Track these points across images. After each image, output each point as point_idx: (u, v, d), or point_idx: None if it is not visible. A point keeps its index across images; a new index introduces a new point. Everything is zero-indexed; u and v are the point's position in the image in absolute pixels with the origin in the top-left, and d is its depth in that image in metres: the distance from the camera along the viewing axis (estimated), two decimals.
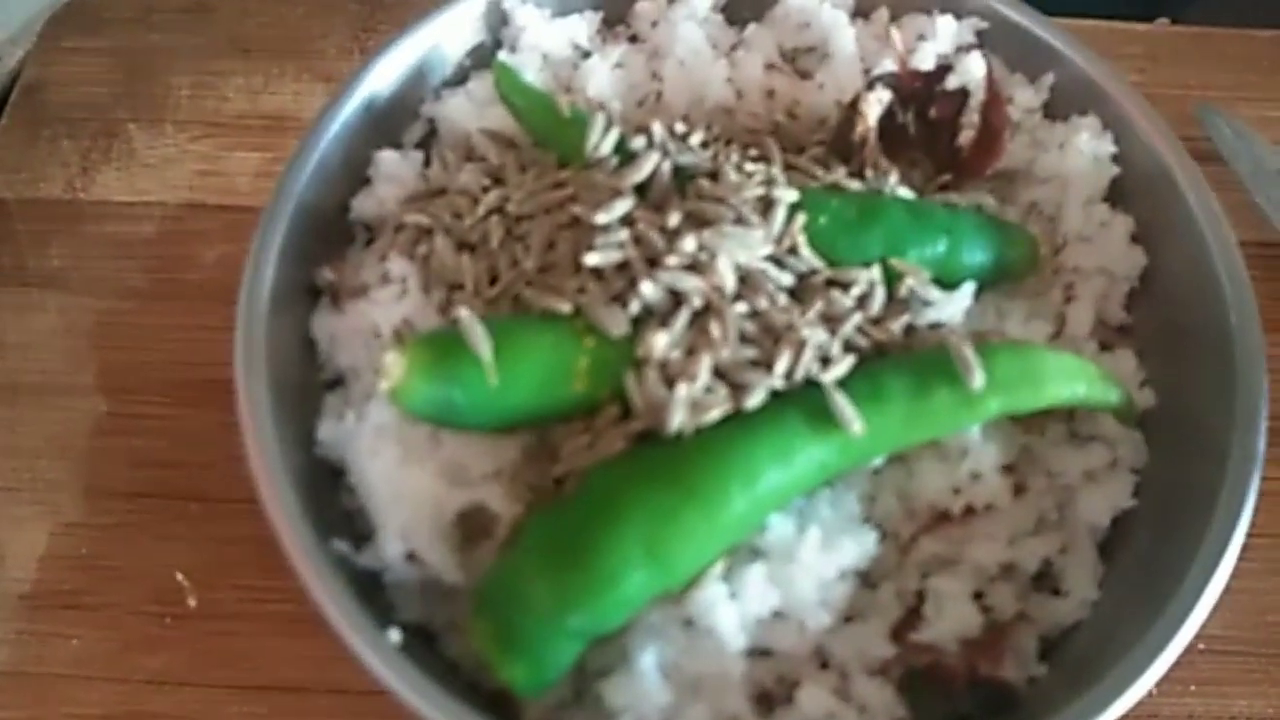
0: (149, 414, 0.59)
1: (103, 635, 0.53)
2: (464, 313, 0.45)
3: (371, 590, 0.47)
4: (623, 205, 0.48)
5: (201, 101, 0.70)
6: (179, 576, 0.54)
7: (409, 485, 0.46)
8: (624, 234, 0.47)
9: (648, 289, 0.45)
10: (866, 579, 0.48)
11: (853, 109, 0.53)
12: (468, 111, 0.57)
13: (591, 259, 0.46)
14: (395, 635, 0.43)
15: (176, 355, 0.60)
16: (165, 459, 0.57)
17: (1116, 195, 0.57)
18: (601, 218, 0.47)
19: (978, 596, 0.49)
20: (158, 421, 0.58)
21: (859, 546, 0.47)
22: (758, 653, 0.46)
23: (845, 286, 0.49)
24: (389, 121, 0.57)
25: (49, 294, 0.63)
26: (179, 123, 0.69)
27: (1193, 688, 0.54)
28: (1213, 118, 0.70)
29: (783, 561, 0.45)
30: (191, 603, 0.54)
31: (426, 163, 0.57)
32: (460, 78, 0.59)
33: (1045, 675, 0.48)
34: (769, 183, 0.49)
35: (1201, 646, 0.54)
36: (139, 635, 0.53)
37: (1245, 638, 0.55)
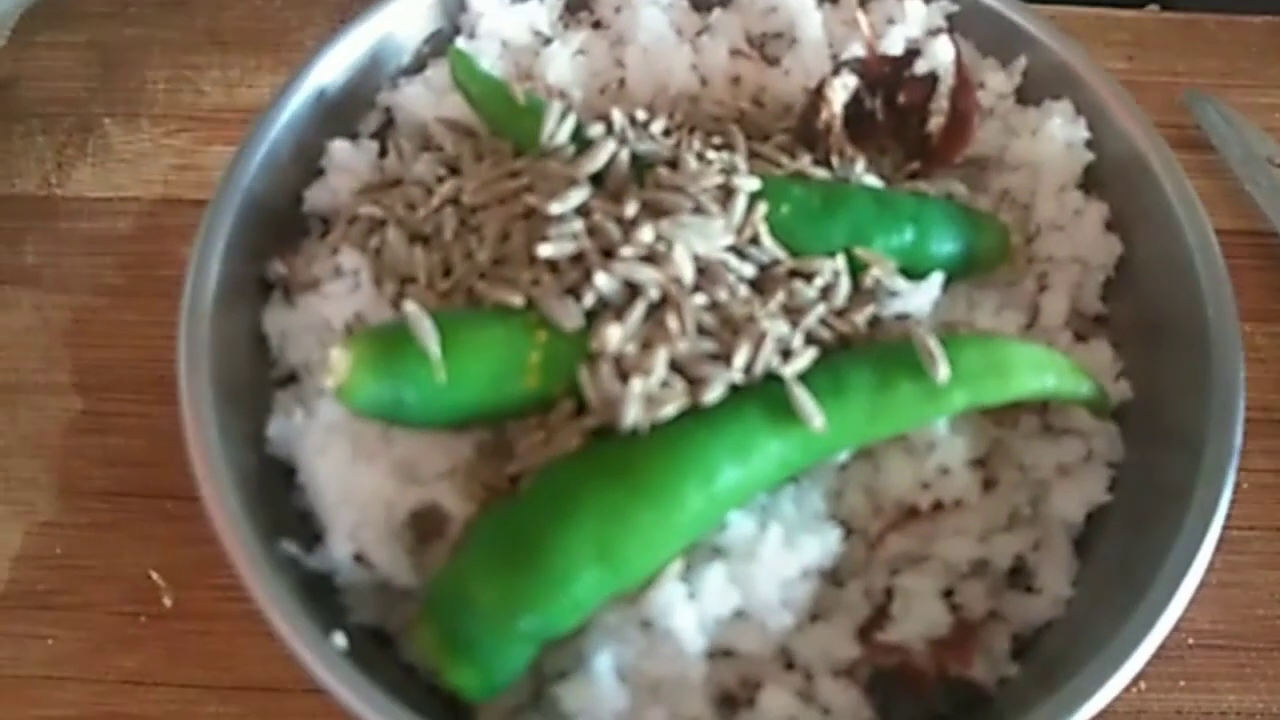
0: (124, 412, 0.58)
1: (78, 635, 0.53)
2: (411, 307, 0.43)
3: (324, 592, 0.46)
4: (578, 195, 0.47)
5: (177, 95, 0.69)
6: (154, 576, 0.54)
7: (359, 484, 0.45)
8: (579, 224, 0.46)
9: (602, 281, 0.44)
10: (833, 577, 0.47)
11: (817, 95, 0.52)
12: (425, 100, 0.56)
13: (545, 250, 0.45)
14: (340, 640, 0.42)
15: (152, 352, 0.59)
16: (140, 457, 0.57)
17: (1091, 182, 0.56)
18: (555, 208, 0.46)
19: (948, 594, 0.48)
20: (133, 420, 0.58)
21: (822, 544, 0.46)
22: (719, 654, 0.45)
23: (808, 277, 0.48)
24: (344, 110, 0.56)
25: (23, 291, 0.62)
26: (155, 117, 0.68)
27: (1182, 682, 0.54)
28: (1202, 105, 0.69)
29: (743, 560, 0.44)
30: (167, 602, 0.54)
31: (383, 152, 0.55)
32: (418, 65, 0.58)
33: (1018, 674, 0.47)
34: (729, 171, 0.48)
35: (1190, 641, 0.54)
36: (114, 635, 0.53)
37: (1234, 632, 0.55)
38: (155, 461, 0.56)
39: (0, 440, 0.58)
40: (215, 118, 0.68)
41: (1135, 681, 0.51)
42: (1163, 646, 0.51)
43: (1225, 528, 0.54)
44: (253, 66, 0.70)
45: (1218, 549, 0.53)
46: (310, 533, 0.47)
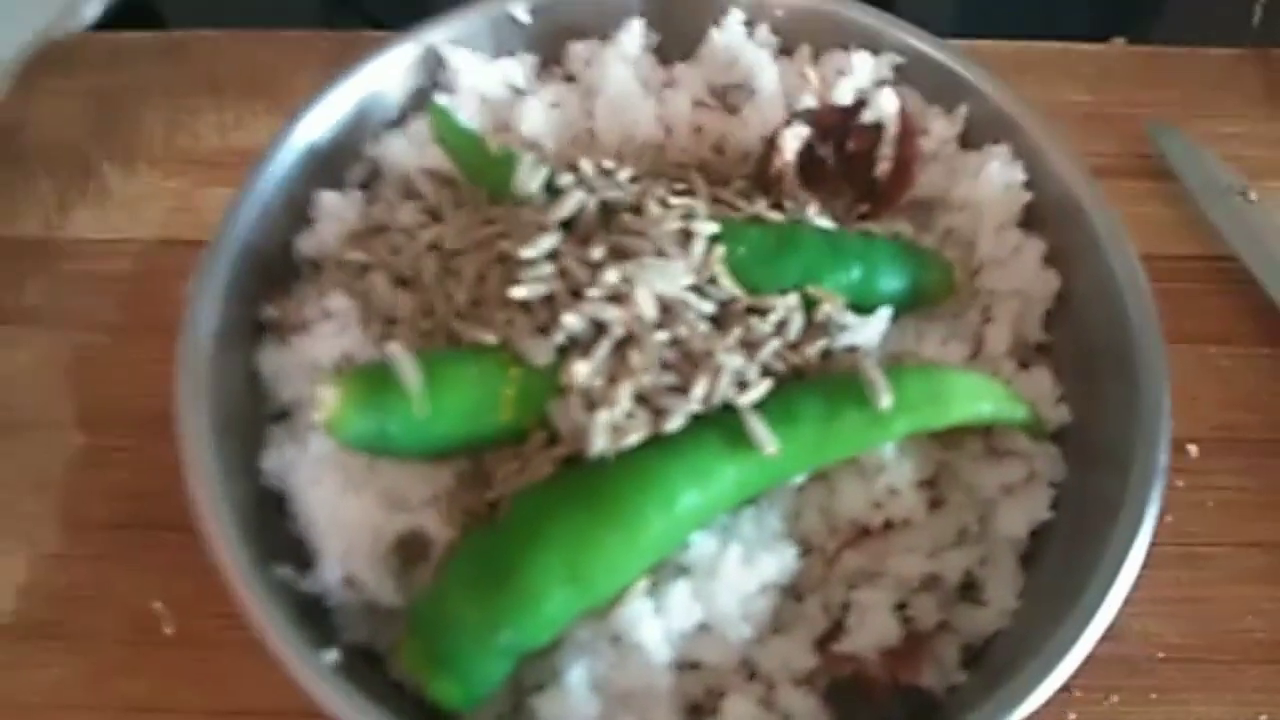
0: (125, 446, 0.59)
1: (81, 664, 0.54)
2: (394, 347, 0.47)
3: (317, 614, 0.49)
4: (548, 240, 0.50)
5: (175, 139, 0.70)
6: (156, 605, 0.55)
7: (348, 512, 0.48)
8: (549, 268, 0.49)
9: (570, 320, 0.47)
10: (793, 592, 0.50)
11: (771, 145, 0.56)
12: (408, 151, 0.59)
13: (517, 292, 0.48)
14: (331, 655, 0.45)
15: (150, 389, 0.59)
16: (141, 490, 0.58)
17: (1030, 220, 0.59)
18: (527, 252, 0.49)
19: (901, 607, 0.51)
20: (133, 454, 0.59)
21: (780, 562, 0.49)
22: (685, 665, 0.48)
23: (764, 313, 0.51)
24: (332, 162, 0.59)
25: (26, 330, 0.63)
26: (153, 160, 0.69)
27: (1153, 695, 0.55)
28: (1165, 135, 0.70)
29: (706, 577, 0.48)
30: (168, 630, 0.55)
31: (370, 200, 0.58)
32: (401, 119, 0.61)
33: (966, 682, 0.50)
34: (689, 216, 0.52)
35: (1161, 655, 0.56)
36: (117, 663, 0.54)
37: (1204, 645, 0.56)
38: (155, 494, 0.57)
39: (5, 475, 0.59)
40: (212, 161, 0.69)
41: (1108, 695, 0.54)
42: (1134, 661, 0.54)
43: (1191, 544, 0.56)
44: (248, 110, 0.71)
45: (1184, 565, 0.56)
46: (303, 558, 0.49)
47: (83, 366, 0.62)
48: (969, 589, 0.53)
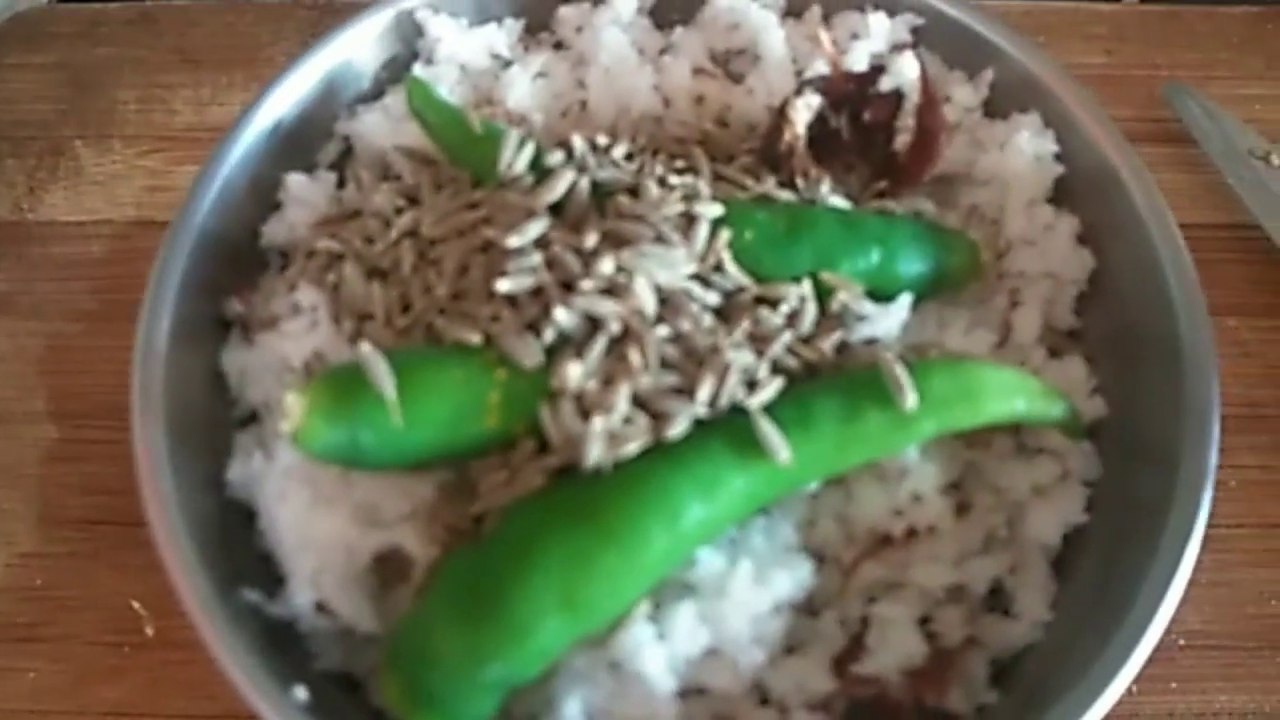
0: (100, 439, 0.57)
1: (60, 668, 0.52)
2: (365, 348, 0.42)
3: (289, 638, 0.45)
4: (536, 227, 0.46)
5: (149, 115, 0.69)
6: (135, 605, 0.54)
7: (319, 530, 0.45)
8: (538, 257, 0.45)
9: (562, 316, 0.43)
10: (807, 607, 0.47)
11: (780, 116, 0.51)
12: (383, 128, 0.55)
13: (503, 285, 0.44)
14: (302, 693, 0.41)
15: (126, 378, 0.58)
16: (117, 485, 0.55)
17: (1061, 195, 0.55)
18: (514, 241, 0.45)
19: (925, 621, 0.47)
20: (109, 447, 0.57)
21: (794, 578, 0.45)
22: (692, 692, 0.44)
23: (774, 304, 0.47)
24: (301, 141, 0.55)
25: None
26: (127, 138, 0.68)
27: (1173, 685, 0.53)
28: (1182, 98, 0.68)
29: (713, 598, 0.44)
30: (149, 631, 0.53)
31: (341, 182, 0.54)
32: (376, 93, 0.58)
33: (996, 702, 0.46)
34: (691, 197, 0.48)
35: (1181, 643, 0.53)
36: (97, 666, 0.52)
37: (1225, 632, 0.54)
38: (132, 489, 0.54)
39: None
40: (187, 137, 0.68)
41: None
42: (1153, 648, 0.52)
43: (1213, 526, 0.54)
44: (224, 84, 0.70)
45: (1205, 548, 0.53)
46: (274, 575, 0.46)
47: (55, 355, 0.61)
48: (996, 599, 0.49)
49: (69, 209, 0.65)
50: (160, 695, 0.52)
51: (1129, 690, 0.50)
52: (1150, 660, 0.51)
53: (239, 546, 0.47)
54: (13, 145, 0.67)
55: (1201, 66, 0.71)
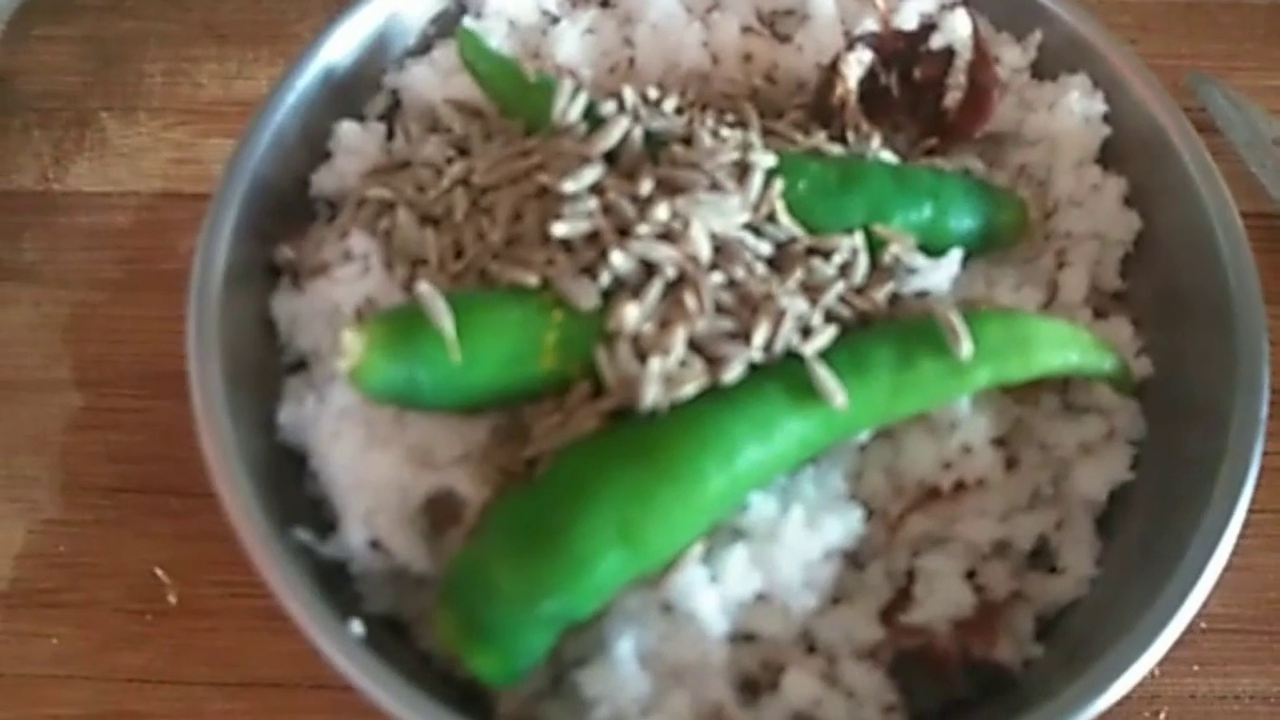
0: (125, 407, 0.58)
1: (83, 634, 0.52)
2: (424, 287, 0.42)
3: (338, 581, 0.45)
4: (591, 173, 0.46)
5: (175, 88, 0.69)
6: (159, 572, 0.54)
7: (373, 470, 0.45)
8: (593, 203, 0.45)
9: (618, 259, 0.43)
10: (854, 559, 0.47)
11: (832, 71, 0.51)
12: (432, 81, 0.55)
13: (559, 229, 0.44)
14: (358, 627, 0.41)
15: (152, 347, 0.59)
16: (142, 453, 0.56)
17: (1109, 157, 0.55)
18: (569, 186, 0.45)
19: (970, 575, 0.47)
20: (134, 415, 0.57)
21: (844, 525, 0.45)
22: (741, 638, 0.44)
23: (826, 254, 0.47)
24: (350, 93, 0.55)
25: (22, 287, 0.61)
26: (152, 110, 0.68)
27: (1195, 667, 0.53)
28: (1207, 87, 0.68)
29: (765, 542, 0.44)
30: (172, 599, 0.53)
31: (390, 135, 0.54)
32: (424, 46, 0.57)
33: (1042, 656, 0.47)
34: (745, 147, 0.47)
35: (1204, 625, 0.53)
36: (120, 633, 0.52)
37: (1248, 615, 0.54)
38: (157, 457, 0.56)
39: (2, 438, 0.57)
40: (213, 110, 0.67)
41: None
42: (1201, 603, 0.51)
43: None
44: (250, 59, 0.69)
45: None
46: (323, 521, 0.46)
47: (81, 324, 0.60)
48: (1040, 555, 0.49)
49: (95, 180, 0.65)
50: (183, 663, 0.52)
51: (1151, 673, 0.51)
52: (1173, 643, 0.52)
53: (289, 491, 0.47)
54: (39, 116, 0.67)
55: (1226, 57, 0.71)
